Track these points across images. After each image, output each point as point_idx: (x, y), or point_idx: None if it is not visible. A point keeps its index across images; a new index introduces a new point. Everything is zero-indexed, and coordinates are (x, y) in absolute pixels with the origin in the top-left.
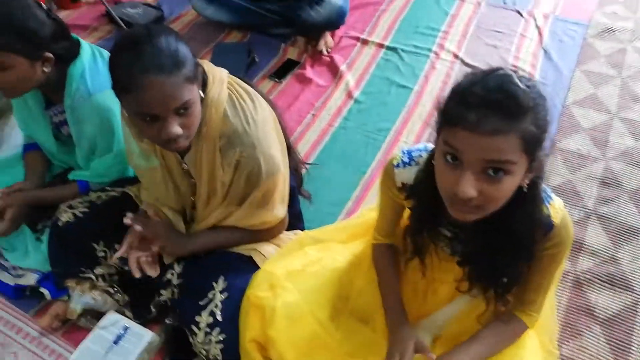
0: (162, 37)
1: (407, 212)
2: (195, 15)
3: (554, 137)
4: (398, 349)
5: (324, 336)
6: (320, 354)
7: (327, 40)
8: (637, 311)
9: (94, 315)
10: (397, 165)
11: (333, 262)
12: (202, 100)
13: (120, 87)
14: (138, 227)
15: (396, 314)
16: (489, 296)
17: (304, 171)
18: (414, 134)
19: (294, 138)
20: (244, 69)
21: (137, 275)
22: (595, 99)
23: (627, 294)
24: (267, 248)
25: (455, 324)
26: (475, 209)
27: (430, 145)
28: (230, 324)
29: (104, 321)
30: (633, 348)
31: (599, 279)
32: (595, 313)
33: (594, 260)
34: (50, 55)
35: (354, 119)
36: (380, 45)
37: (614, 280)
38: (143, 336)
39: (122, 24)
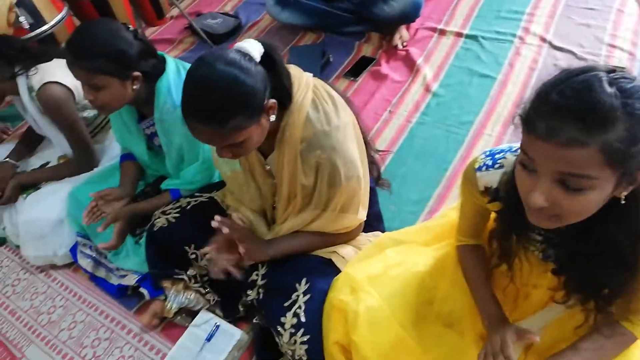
0: (220, 87)
1: (493, 214)
2: (271, 20)
3: None
4: (497, 336)
5: (408, 341)
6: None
7: (402, 34)
8: None
9: (189, 313)
10: (479, 168)
11: (415, 265)
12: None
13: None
14: (225, 230)
15: (492, 310)
16: (588, 308)
17: (383, 166)
18: (499, 125)
19: (371, 136)
20: (319, 70)
21: (220, 276)
22: None
23: None
24: (346, 250)
25: (550, 332)
26: (552, 218)
27: (516, 145)
28: (314, 325)
29: (197, 319)
30: None
31: None
32: None
33: None
34: (138, 73)
35: (433, 114)
36: (459, 34)
37: None
38: (233, 334)
39: (204, 36)
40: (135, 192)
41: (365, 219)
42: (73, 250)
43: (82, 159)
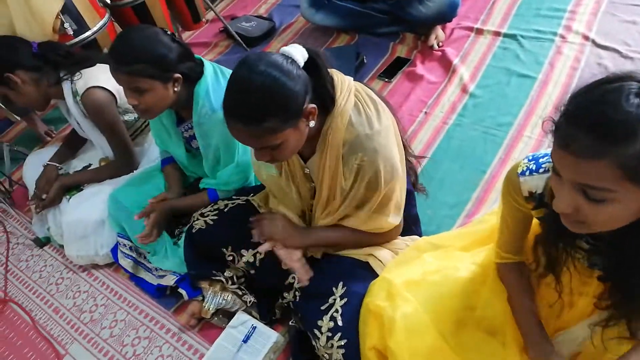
0: (259, 87)
1: (536, 222)
2: (305, 22)
3: None
4: None
5: (446, 349)
6: None
7: (438, 34)
8: None
9: (225, 314)
10: (522, 173)
11: (455, 272)
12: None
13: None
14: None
15: (534, 331)
16: (635, 323)
17: (419, 169)
18: (539, 127)
19: (407, 138)
20: (353, 71)
21: (306, 281)
22: None
23: None
24: (382, 253)
25: (597, 341)
26: (579, 224)
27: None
28: (351, 329)
29: (234, 321)
30: None
31: None
32: None
33: None
34: (179, 75)
35: (470, 115)
36: (497, 34)
37: None
38: (270, 336)
39: (239, 39)
40: None
41: (397, 223)
42: (114, 250)
43: (123, 161)
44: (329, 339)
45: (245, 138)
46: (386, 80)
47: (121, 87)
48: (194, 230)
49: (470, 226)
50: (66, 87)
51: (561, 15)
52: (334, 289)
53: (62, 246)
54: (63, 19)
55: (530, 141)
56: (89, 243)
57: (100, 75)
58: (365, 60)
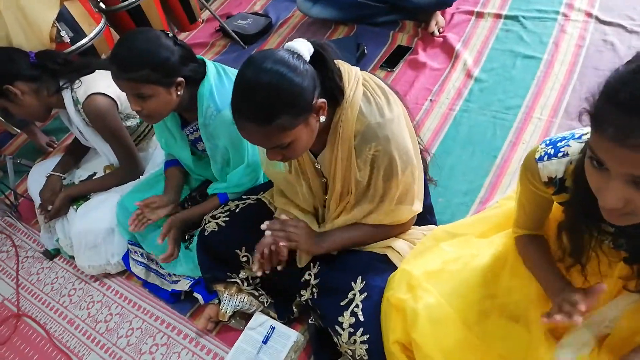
0: (266, 85)
1: (556, 205)
2: (301, 16)
3: None
4: (564, 298)
5: (471, 338)
6: (470, 357)
7: (439, 20)
8: None
9: (243, 316)
10: (541, 159)
11: (474, 259)
12: (338, 105)
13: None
14: (276, 226)
15: (558, 284)
16: None
17: (428, 158)
18: (548, 108)
19: (415, 125)
20: (354, 63)
21: (259, 272)
22: None
23: None
24: (400, 245)
25: (626, 322)
26: (627, 216)
27: (578, 131)
28: (373, 324)
29: (252, 322)
30: None
31: None
32: None
33: None
34: (181, 79)
35: (476, 100)
36: (498, 16)
37: None
38: (290, 336)
39: (236, 37)
40: (180, 198)
41: (420, 210)
42: (125, 258)
43: (128, 167)
44: (350, 335)
45: (256, 138)
46: (388, 69)
47: (122, 93)
48: (206, 233)
49: (486, 212)
50: (66, 95)
51: None
52: (352, 284)
53: (72, 257)
54: (59, 27)
55: (540, 122)
56: (99, 252)
57: (100, 82)
58: (365, 51)
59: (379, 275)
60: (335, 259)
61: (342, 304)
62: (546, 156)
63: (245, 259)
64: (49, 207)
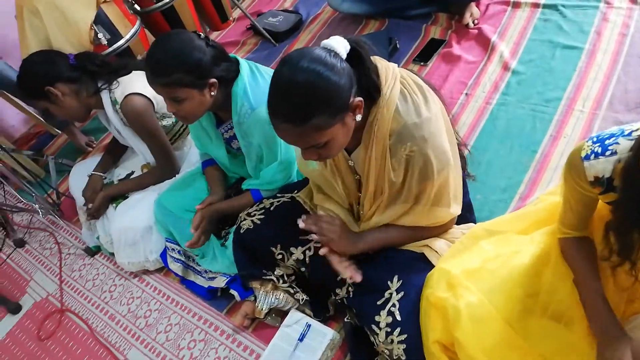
0: (303, 84)
1: (602, 204)
2: (332, 12)
3: None
4: (613, 356)
5: (514, 337)
6: (513, 357)
7: (473, 12)
8: None
9: (278, 313)
10: (587, 157)
11: (514, 257)
12: (373, 103)
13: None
14: (312, 227)
15: (603, 315)
16: None
17: (466, 153)
18: (591, 100)
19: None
20: (387, 58)
21: (359, 279)
22: None
23: None
24: (438, 244)
25: None
26: None
27: (628, 127)
28: (411, 323)
29: (288, 319)
30: None
31: None
32: None
33: None
34: (214, 80)
35: (514, 93)
36: (536, 5)
37: None
38: (325, 334)
39: (267, 35)
40: None
41: (458, 213)
42: (163, 255)
43: (164, 166)
44: (388, 334)
45: (293, 138)
46: (422, 64)
47: None
48: (242, 231)
49: (525, 208)
50: (105, 96)
51: None
52: (389, 282)
53: (112, 254)
54: (97, 30)
55: (583, 115)
56: (138, 250)
57: (136, 82)
58: (398, 45)
59: (416, 274)
60: (371, 258)
61: (378, 303)
62: (593, 155)
63: (280, 256)
64: (89, 206)
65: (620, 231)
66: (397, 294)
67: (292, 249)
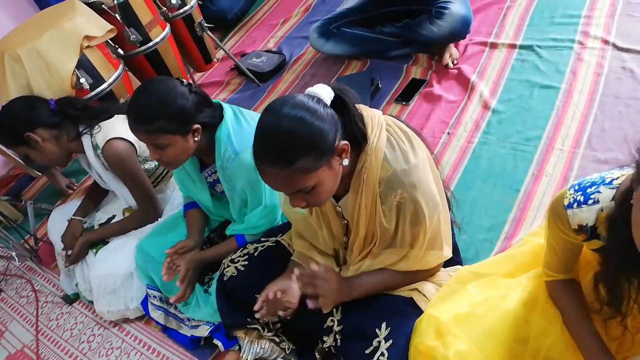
0: (287, 127)
1: (589, 251)
2: (315, 52)
3: None
4: None
5: None
6: None
7: (452, 52)
8: None
9: None
10: (570, 206)
11: (503, 301)
12: (361, 149)
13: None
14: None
15: (594, 349)
16: None
17: (449, 193)
18: (570, 139)
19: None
20: (369, 98)
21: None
22: None
23: None
24: (427, 287)
25: None
26: None
27: (609, 176)
28: None
29: None
30: None
31: None
32: None
33: None
34: (198, 126)
35: (495, 132)
36: (512, 46)
37: None
38: None
39: (250, 75)
40: None
41: (450, 255)
42: (144, 302)
43: (147, 210)
44: None
45: (279, 183)
46: (404, 103)
47: None
48: (225, 278)
49: (511, 250)
50: (86, 141)
51: (576, 21)
52: (377, 330)
53: (91, 302)
54: (79, 74)
55: (563, 154)
56: (118, 297)
57: (118, 126)
58: (380, 85)
59: (405, 320)
60: (358, 303)
61: (367, 352)
62: (575, 203)
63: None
64: (69, 252)
65: (609, 282)
66: (385, 342)
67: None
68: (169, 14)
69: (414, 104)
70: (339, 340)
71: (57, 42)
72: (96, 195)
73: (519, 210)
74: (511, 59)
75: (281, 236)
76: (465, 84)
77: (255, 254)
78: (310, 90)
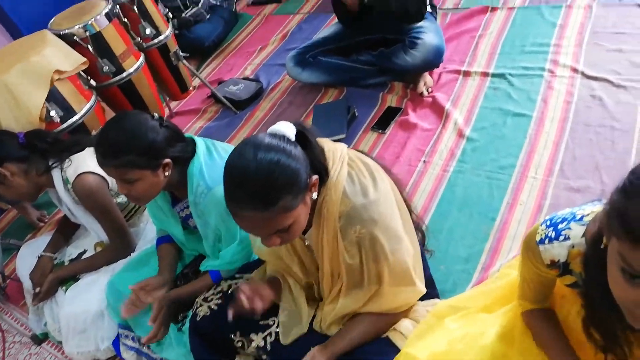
0: (266, 171)
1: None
2: (292, 80)
3: None
4: None
5: None
6: None
7: (427, 81)
8: None
9: None
10: (541, 241)
11: (481, 337)
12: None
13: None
14: None
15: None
16: None
17: (423, 227)
18: (542, 167)
19: (408, 190)
20: (346, 126)
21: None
22: None
23: None
24: (403, 324)
25: None
26: None
27: (579, 212)
28: None
29: None
30: None
31: None
32: None
33: None
34: (168, 160)
35: (470, 160)
36: (485, 74)
37: None
38: None
39: (227, 103)
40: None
41: (424, 291)
42: (115, 342)
43: (119, 245)
44: None
45: (258, 226)
46: (380, 132)
47: None
48: (198, 318)
49: (489, 283)
50: (56, 175)
51: (546, 49)
52: None
53: (60, 342)
54: (49, 107)
55: (536, 182)
56: (88, 337)
57: (89, 160)
58: (356, 114)
59: (382, 359)
60: None
61: None
62: (547, 239)
63: (240, 343)
64: (37, 290)
65: (598, 324)
66: None
67: (252, 335)
68: (143, 44)
69: (390, 132)
70: None
71: (26, 76)
72: (67, 230)
73: (495, 240)
74: (484, 87)
75: (256, 271)
76: (439, 112)
77: (229, 291)
78: (275, 129)
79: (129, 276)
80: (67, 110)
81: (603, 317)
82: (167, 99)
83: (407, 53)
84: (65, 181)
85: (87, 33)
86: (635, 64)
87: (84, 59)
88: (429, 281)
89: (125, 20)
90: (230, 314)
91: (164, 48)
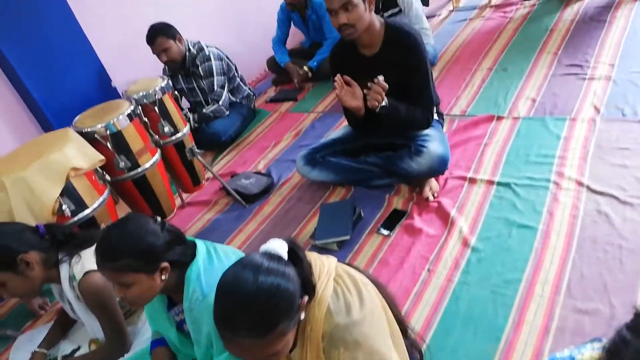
0: (266, 296)
1: None
2: (301, 177)
3: None
4: None
5: None
6: None
7: (432, 186)
8: None
9: None
10: None
11: None
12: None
13: (216, 325)
14: None
15: None
16: None
17: (423, 347)
18: (549, 284)
19: (411, 300)
20: (351, 228)
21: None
22: None
23: None
24: None
25: None
26: None
27: (579, 357)
28: None
29: None
30: None
31: None
32: None
33: None
34: (166, 264)
35: (475, 272)
36: (491, 182)
37: None
38: None
39: (237, 197)
40: None
41: None
42: None
43: (115, 344)
44: None
45: (253, 351)
46: (385, 234)
47: None
48: None
49: None
50: (63, 270)
51: (551, 161)
52: None
53: None
54: (62, 201)
55: (543, 300)
56: None
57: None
58: (362, 214)
59: None
60: None
61: None
62: None
63: None
64: None
65: None
66: None
67: None
68: (161, 141)
69: (395, 235)
70: None
71: (43, 172)
72: (65, 324)
73: None
74: (490, 195)
75: None
76: (445, 218)
77: None
78: (269, 248)
79: None
80: (79, 204)
81: None
82: (180, 191)
83: (412, 159)
84: (71, 277)
85: (108, 132)
86: (638, 180)
87: (102, 157)
88: None
89: (146, 119)
90: None
91: (180, 144)
